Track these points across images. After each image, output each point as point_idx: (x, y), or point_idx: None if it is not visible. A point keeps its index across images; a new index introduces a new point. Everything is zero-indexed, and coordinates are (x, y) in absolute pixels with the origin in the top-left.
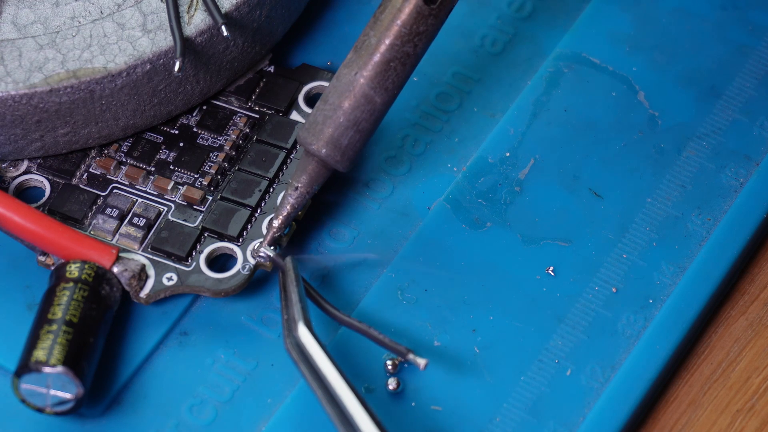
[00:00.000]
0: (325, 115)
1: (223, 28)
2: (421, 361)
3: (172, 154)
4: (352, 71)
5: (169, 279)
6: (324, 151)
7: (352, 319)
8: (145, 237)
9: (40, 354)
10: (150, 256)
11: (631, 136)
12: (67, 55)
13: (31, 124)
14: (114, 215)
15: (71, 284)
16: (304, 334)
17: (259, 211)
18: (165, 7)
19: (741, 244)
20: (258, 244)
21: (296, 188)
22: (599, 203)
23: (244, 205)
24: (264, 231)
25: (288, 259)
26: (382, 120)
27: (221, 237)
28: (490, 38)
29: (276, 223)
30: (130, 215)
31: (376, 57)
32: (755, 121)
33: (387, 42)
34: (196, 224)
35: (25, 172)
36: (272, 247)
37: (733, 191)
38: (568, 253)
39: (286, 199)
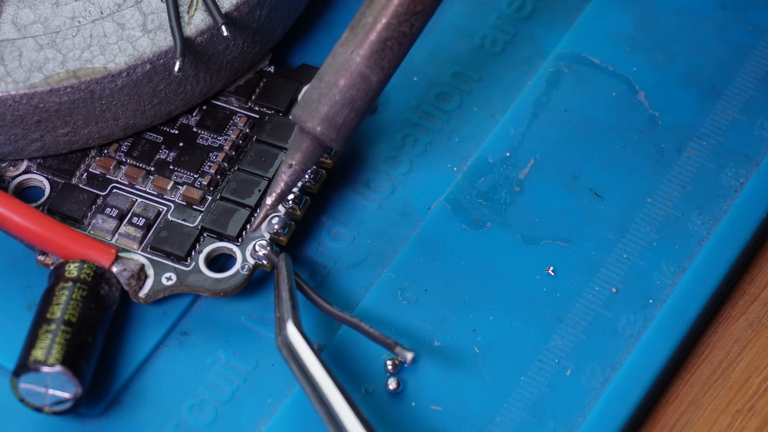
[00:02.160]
0: (320, 93)
1: (223, 28)
2: (408, 355)
3: (171, 154)
4: (347, 49)
5: (168, 279)
6: (319, 129)
7: (343, 312)
8: (144, 237)
9: (38, 353)
10: (149, 256)
11: (631, 136)
12: (67, 55)
13: (31, 124)
14: (113, 215)
15: (70, 284)
16: (292, 332)
17: (258, 211)
18: (165, 7)
19: (741, 244)
20: (254, 236)
21: (290, 165)
22: (599, 203)
23: (244, 205)
24: (263, 228)
25: (281, 256)
26: (377, 99)
27: (220, 237)
28: (490, 38)
29: (269, 201)
30: (129, 215)
31: (373, 36)
32: (755, 121)
33: (383, 21)
34: (195, 224)
35: (25, 172)
36: (267, 245)
37: (733, 191)
38: (568, 253)
39: (280, 177)
